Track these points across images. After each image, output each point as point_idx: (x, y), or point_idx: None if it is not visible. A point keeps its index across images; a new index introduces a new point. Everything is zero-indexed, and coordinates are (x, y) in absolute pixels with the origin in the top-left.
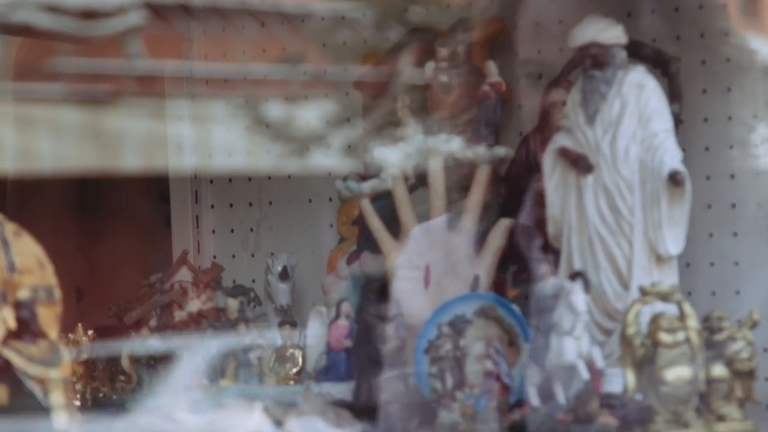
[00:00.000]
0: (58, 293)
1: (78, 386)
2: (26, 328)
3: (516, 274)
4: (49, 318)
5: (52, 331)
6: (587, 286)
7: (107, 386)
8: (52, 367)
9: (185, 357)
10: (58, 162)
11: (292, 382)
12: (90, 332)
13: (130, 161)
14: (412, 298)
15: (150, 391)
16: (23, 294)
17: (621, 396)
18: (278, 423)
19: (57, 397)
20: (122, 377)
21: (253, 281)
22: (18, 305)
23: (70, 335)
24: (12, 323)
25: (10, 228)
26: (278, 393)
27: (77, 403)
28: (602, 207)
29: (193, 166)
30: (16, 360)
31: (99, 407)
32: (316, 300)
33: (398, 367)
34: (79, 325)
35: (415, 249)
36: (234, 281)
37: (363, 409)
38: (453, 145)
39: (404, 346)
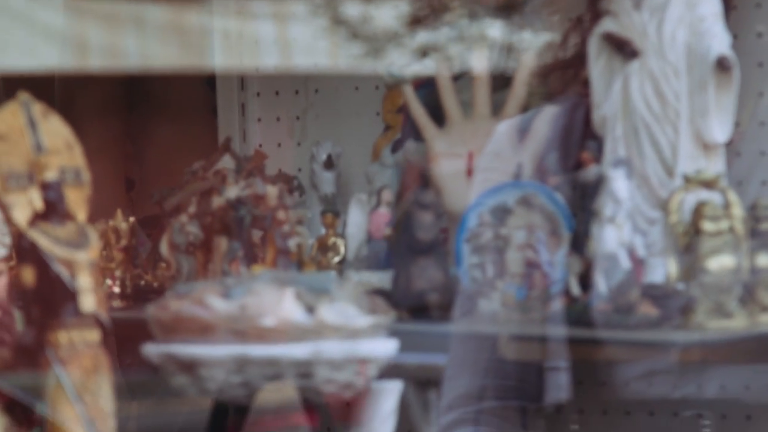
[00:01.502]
0: (86, 175)
1: (118, 273)
2: (53, 210)
3: (559, 161)
4: (77, 200)
5: (81, 214)
6: (630, 174)
7: (150, 274)
8: (80, 249)
9: (223, 243)
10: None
11: (334, 272)
12: (131, 219)
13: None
14: (453, 186)
15: (189, 277)
16: (50, 175)
17: (663, 286)
18: (310, 309)
19: (84, 280)
20: (163, 264)
21: (299, 170)
22: (45, 186)
23: (110, 221)
24: (39, 204)
25: (37, 108)
26: (311, 279)
27: (117, 289)
28: (648, 93)
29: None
30: (43, 242)
31: (140, 294)
32: (360, 189)
33: (437, 256)
34: (119, 211)
35: (458, 136)
36: (279, 170)
37: (401, 298)
38: (498, 31)
39: (444, 235)
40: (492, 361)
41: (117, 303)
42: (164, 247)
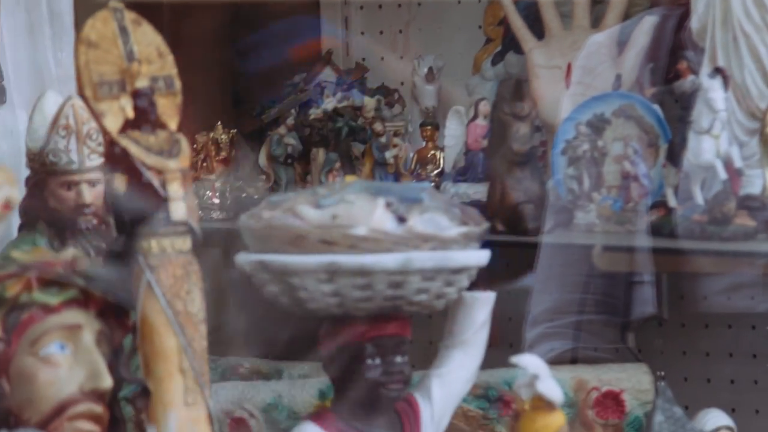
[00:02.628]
0: (178, 83)
1: (218, 185)
2: (145, 118)
3: (656, 72)
4: (168, 108)
5: (172, 122)
6: (727, 84)
7: (251, 187)
8: (171, 158)
9: (321, 155)
10: None
11: (432, 184)
12: (233, 131)
13: None
14: (551, 97)
15: (287, 188)
16: (142, 83)
17: (760, 197)
18: (401, 219)
19: (175, 189)
20: (263, 176)
21: (401, 84)
22: (136, 94)
23: (211, 134)
24: (130, 112)
25: (129, 16)
26: (403, 189)
27: (216, 201)
28: (748, 2)
29: None
30: (134, 149)
31: (240, 205)
32: (461, 102)
33: (533, 167)
34: (219, 123)
35: (557, 48)
36: (382, 83)
37: (496, 209)
38: None
39: (541, 147)
40: (582, 275)
41: (217, 214)
42: (263, 159)
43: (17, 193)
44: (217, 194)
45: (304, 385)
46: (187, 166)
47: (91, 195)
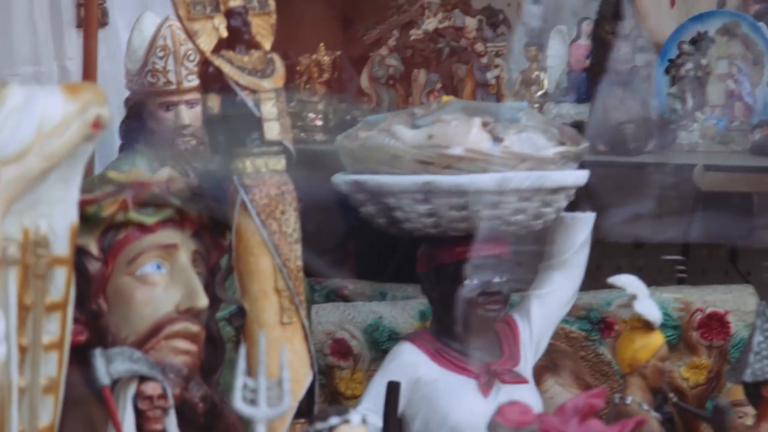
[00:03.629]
0: (272, 3)
1: (320, 107)
2: (238, 38)
3: None
4: (262, 28)
5: (266, 42)
6: None
7: (355, 109)
8: (265, 77)
9: (422, 75)
10: None
11: (536, 105)
12: (336, 53)
13: None
14: (654, 13)
15: (389, 109)
16: (235, 2)
17: None
18: (497, 139)
19: (269, 108)
20: (364, 98)
21: (508, 5)
22: (230, 13)
23: (314, 56)
24: (224, 32)
25: None
26: (500, 109)
27: (320, 123)
28: None
29: None
30: (228, 69)
31: (343, 127)
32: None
33: (636, 87)
34: (321, 45)
35: None
36: (488, 4)
37: (598, 129)
38: None
39: (644, 66)
40: (685, 195)
41: (320, 136)
42: (365, 80)
43: (107, 112)
44: (320, 116)
45: (405, 306)
46: (281, 86)
47: (190, 116)
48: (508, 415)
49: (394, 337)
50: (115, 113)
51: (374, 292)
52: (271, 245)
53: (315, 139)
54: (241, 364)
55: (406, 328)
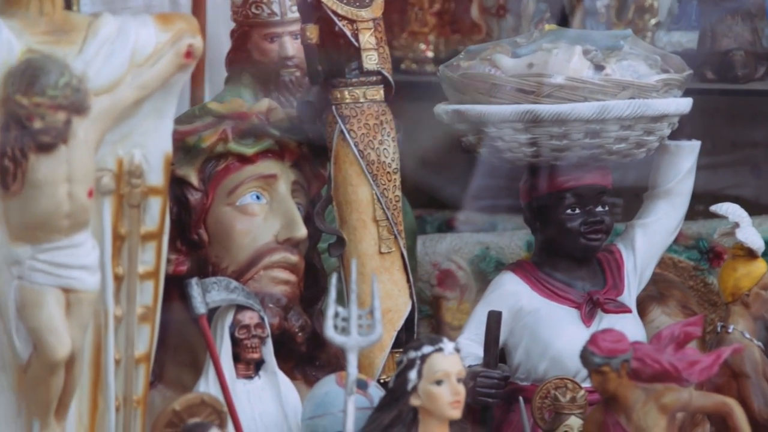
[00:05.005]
0: None
1: (431, 37)
2: None
3: None
4: None
5: None
6: None
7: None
8: (364, 7)
9: (531, 5)
10: None
11: (649, 33)
12: None
13: None
14: None
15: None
16: None
17: None
18: (598, 67)
19: (367, 38)
20: (474, 29)
21: None
22: None
23: None
24: None
25: None
26: (602, 37)
27: (430, 54)
28: None
29: None
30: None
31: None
32: None
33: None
34: None
35: None
36: None
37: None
38: None
39: None
40: None
41: (430, 68)
42: (475, 11)
43: (199, 42)
44: (431, 47)
45: (512, 236)
46: (379, 15)
47: (294, 47)
48: (601, 342)
49: (501, 268)
50: (225, 45)
51: (485, 223)
52: (369, 175)
53: (425, 71)
54: (332, 292)
55: (513, 259)
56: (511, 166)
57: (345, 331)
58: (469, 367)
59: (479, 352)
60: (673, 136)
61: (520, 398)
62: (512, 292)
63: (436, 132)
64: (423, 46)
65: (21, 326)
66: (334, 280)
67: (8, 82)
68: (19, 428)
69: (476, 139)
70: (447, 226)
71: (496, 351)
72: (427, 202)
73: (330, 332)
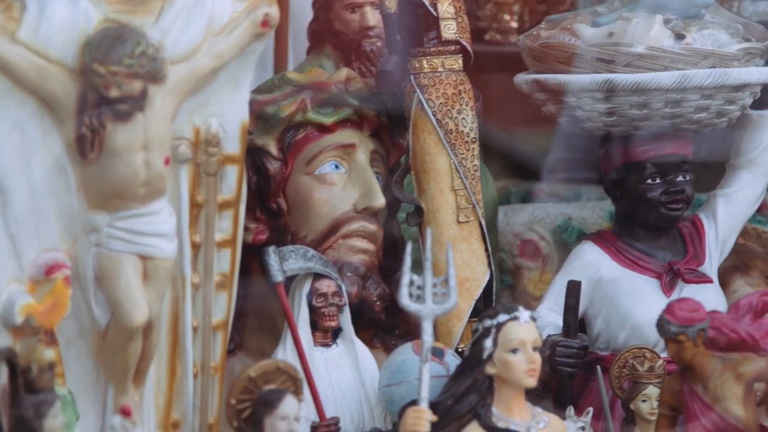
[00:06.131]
0: None
1: (516, 8)
2: None
3: None
4: None
5: None
6: None
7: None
8: None
9: None
10: None
11: (735, 3)
12: None
13: None
14: None
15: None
16: None
17: None
18: (679, 36)
19: (446, 7)
20: None
21: None
22: None
23: None
24: None
25: None
26: (683, 5)
27: (515, 24)
28: None
29: None
30: None
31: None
32: None
33: None
34: None
35: None
36: None
37: None
38: None
39: None
40: None
41: (515, 38)
42: None
43: (276, 11)
44: (515, 18)
45: (594, 207)
46: None
47: (375, 17)
48: (677, 311)
49: (583, 238)
50: (307, 16)
51: (569, 193)
52: (447, 144)
53: (510, 41)
54: (407, 260)
55: (595, 229)
56: (591, 136)
57: (420, 299)
58: (549, 336)
59: (559, 321)
60: (756, 105)
61: (598, 368)
62: (592, 262)
63: (521, 102)
64: (507, 17)
65: (99, 293)
66: (409, 248)
67: (86, 51)
68: (97, 394)
69: (556, 109)
70: (530, 197)
71: (575, 321)
72: (511, 172)
73: (405, 300)
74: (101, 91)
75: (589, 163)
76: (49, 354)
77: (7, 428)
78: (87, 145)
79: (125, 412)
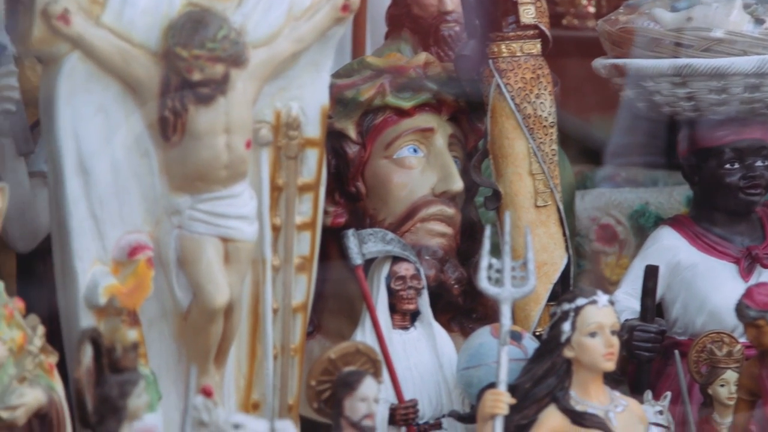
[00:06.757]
0: None
1: None
2: None
3: None
4: None
5: None
6: None
7: None
8: None
9: None
10: None
11: None
12: None
13: None
14: None
15: None
16: None
17: None
18: (759, 20)
19: None
20: None
21: None
22: None
23: None
24: None
25: None
26: None
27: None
28: None
29: None
30: None
31: None
32: None
33: None
34: None
35: None
36: None
37: None
38: None
39: None
40: None
41: (592, 23)
42: None
43: None
44: (593, 3)
45: (672, 192)
46: None
47: (453, 1)
48: (756, 296)
49: (660, 223)
50: (385, 0)
51: (646, 178)
52: (526, 129)
53: (587, 26)
54: (486, 244)
55: (672, 214)
56: (654, 120)
57: (498, 282)
58: (626, 321)
59: (636, 306)
60: None
61: (676, 352)
62: (670, 247)
63: (598, 87)
64: (585, 2)
65: (181, 275)
66: (488, 232)
67: (168, 34)
68: (179, 374)
69: (635, 94)
70: (608, 182)
71: (653, 305)
72: (588, 158)
73: (483, 283)
74: (184, 75)
75: (652, 148)
76: (132, 334)
77: (91, 407)
78: (169, 128)
79: (207, 393)
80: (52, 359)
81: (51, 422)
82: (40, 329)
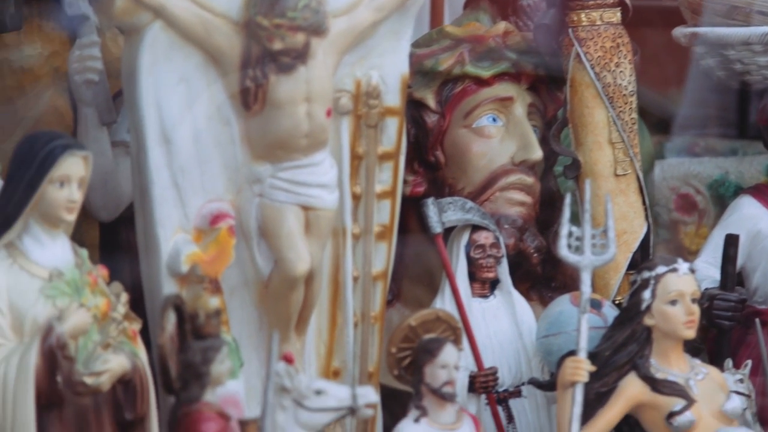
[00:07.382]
0: None
1: None
2: None
3: None
4: None
5: None
6: None
7: None
8: None
9: None
10: None
11: None
12: None
13: None
14: None
15: None
16: None
17: None
18: None
19: None
20: None
21: None
22: None
23: None
24: None
25: None
26: None
27: None
28: None
29: None
30: None
31: None
32: None
33: None
34: None
35: None
36: None
37: None
38: None
39: None
40: None
41: None
42: None
43: None
44: None
45: (752, 161)
46: None
47: None
48: None
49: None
50: None
51: (725, 148)
52: (605, 97)
53: None
54: (566, 212)
55: (753, 183)
56: (724, 92)
57: (579, 250)
58: (706, 289)
59: (716, 275)
60: None
61: (758, 321)
62: (750, 216)
63: (679, 57)
64: None
65: (262, 243)
66: (568, 200)
67: (250, 4)
68: (260, 342)
69: (715, 63)
70: (687, 152)
71: (733, 274)
72: (667, 127)
73: (564, 251)
74: (265, 44)
75: (722, 119)
76: (214, 302)
77: (174, 373)
78: (251, 96)
79: (288, 360)
80: (136, 326)
81: (135, 388)
82: (124, 296)
